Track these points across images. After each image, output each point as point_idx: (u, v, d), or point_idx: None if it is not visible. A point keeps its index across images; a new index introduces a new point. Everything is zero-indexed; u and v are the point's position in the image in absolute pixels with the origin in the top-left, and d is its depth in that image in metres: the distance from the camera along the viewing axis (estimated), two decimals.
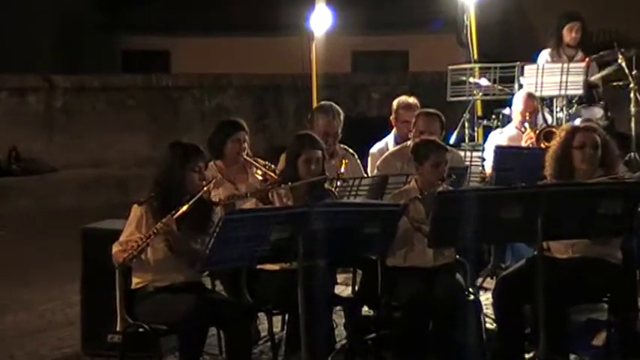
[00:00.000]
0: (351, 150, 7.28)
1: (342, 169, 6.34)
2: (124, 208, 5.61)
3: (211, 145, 6.83)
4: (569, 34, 9.52)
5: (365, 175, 7.17)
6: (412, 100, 7.87)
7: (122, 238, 5.44)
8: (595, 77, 9.45)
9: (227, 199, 6.07)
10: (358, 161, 7.34)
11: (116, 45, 18.07)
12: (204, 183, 5.54)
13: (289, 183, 5.86)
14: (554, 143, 5.92)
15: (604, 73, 9.54)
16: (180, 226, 5.37)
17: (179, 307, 5.23)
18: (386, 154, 7.36)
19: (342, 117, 7.22)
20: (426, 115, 7.05)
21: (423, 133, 6.84)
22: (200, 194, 5.45)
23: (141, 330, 5.33)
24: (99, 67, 16.07)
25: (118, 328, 5.43)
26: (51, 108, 13.35)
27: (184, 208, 5.33)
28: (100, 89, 13.52)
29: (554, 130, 7.82)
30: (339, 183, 6.19)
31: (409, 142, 7.10)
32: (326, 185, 6.05)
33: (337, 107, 7.27)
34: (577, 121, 7.75)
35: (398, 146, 7.47)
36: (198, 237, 5.44)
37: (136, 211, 5.48)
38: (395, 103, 7.93)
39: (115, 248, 5.41)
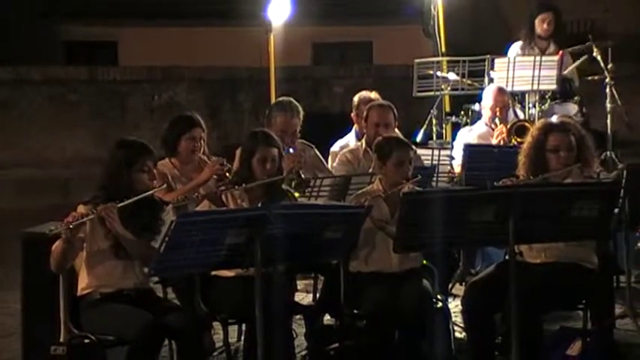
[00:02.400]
0: (308, 143, 7.33)
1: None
2: (67, 211, 5.59)
3: (165, 143, 6.85)
4: (540, 25, 9.64)
5: (327, 169, 7.25)
6: (374, 94, 7.96)
7: None
8: (568, 70, 9.55)
9: (179, 201, 6.10)
10: (318, 153, 7.40)
11: (58, 34, 17.90)
12: (154, 182, 5.56)
13: (243, 184, 5.87)
14: (528, 142, 5.99)
15: (577, 63, 9.64)
16: (126, 224, 5.39)
17: (131, 322, 5.23)
18: (342, 152, 7.41)
19: (301, 115, 7.26)
20: (379, 106, 7.30)
21: (378, 126, 7.07)
22: (150, 193, 5.47)
23: (87, 341, 5.32)
24: (39, 59, 15.90)
25: (61, 339, 5.42)
26: None
27: (131, 200, 5.35)
28: (40, 82, 13.39)
29: (526, 124, 7.91)
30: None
31: (363, 141, 7.22)
32: (283, 186, 6.07)
33: (296, 104, 7.30)
34: (553, 119, 7.83)
35: (352, 146, 7.55)
36: (145, 236, 5.45)
37: (81, 210, 5.47)
38: (356, 98, 8.00)
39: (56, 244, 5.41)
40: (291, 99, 7.41)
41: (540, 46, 9.66)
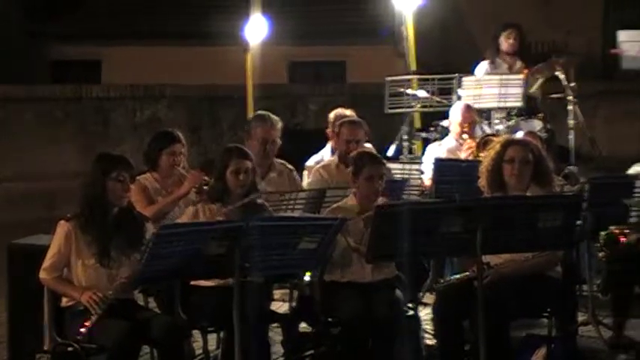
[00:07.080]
0: (289, 165, 7.26)
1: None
2: (52, 223, 5.55)
3: (146, 157, 6.81)
4: (506, 41, 9.69)
5: (302, 188, 7.20)
6: (349, 112, 7.93)
7: (47, 263, 5.42)
8: (534, 88, 9.60)
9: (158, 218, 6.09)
10: (297, 177, 7.33)
11: (45, 54, 17.84)
12: (127, 195, 5.51)
13: (229, 206, 5.80)
14: (488, 155, 6.00)
15: (540, 82, 9.70)
16: (112, 243, 5.35)
17: (110, 330, 5.19)
18: (315, 167, 7.38)
19: (279, 126, 7.21)
20: (350, 123, 7.23)
21: (349, 142, 7.02)
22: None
23: (70, 349, 5.27)
24: (27, 78, 15.84)
25: (46, 347, 5.38)
26: None
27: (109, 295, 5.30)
28: (27, 100, 13.31)
29: (494, 139, 7.92)
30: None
31: (335, 157, 7.19)
32: (259, 201, 6.03)
33: (275, 116, 7.27)
34: (519, 134, 7.84)
35: (326, 160, 7.52)
36: (130, 254, 5.41)
37: (62, 227, 5.43)
38: (332, 115, 7.97)
39: (43, 275, 5.41)
40: (269, 113, 7.37)
41: (508, 62, 9.69)
